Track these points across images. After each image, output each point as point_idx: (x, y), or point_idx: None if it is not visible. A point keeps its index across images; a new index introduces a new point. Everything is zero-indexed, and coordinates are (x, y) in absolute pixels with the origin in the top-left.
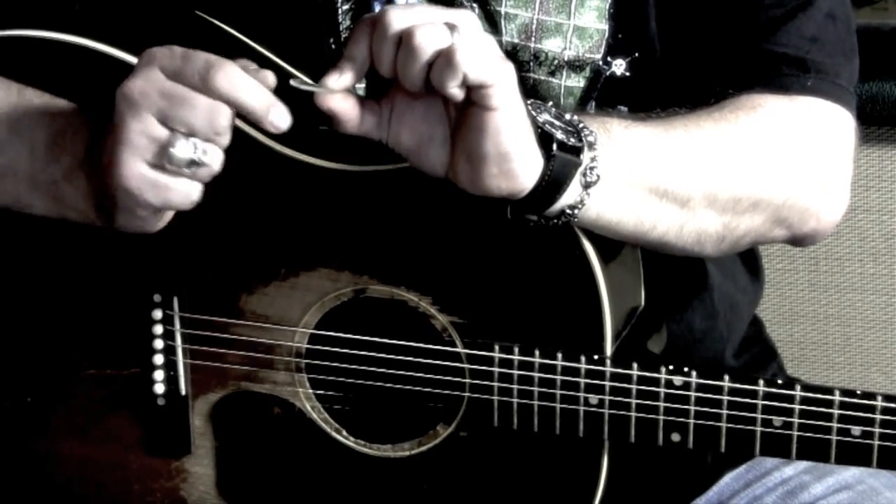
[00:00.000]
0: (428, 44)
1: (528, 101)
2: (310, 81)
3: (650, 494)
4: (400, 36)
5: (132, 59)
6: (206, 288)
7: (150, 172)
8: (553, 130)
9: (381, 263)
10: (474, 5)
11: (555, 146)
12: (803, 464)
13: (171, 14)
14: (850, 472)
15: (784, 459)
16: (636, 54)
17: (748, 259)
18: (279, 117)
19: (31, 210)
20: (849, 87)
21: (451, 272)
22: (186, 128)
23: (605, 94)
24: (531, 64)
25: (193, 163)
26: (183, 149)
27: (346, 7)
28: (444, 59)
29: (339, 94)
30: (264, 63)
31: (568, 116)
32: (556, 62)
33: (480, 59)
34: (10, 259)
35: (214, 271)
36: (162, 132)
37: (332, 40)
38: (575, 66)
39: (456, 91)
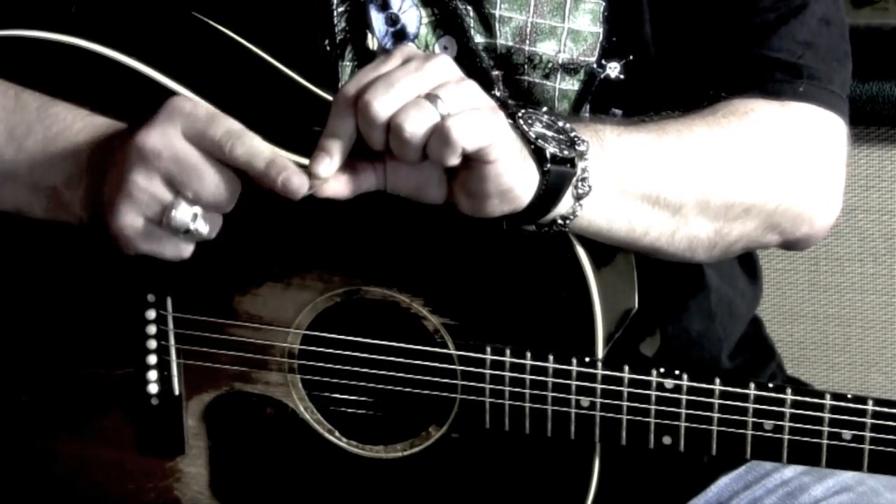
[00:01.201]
0: (418, 130)
1: (520, 113)
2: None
3: (642, 496)
4: (388, 123)
5: (128, 61)
6: (200, 288)
7: (145, 226)
8: (545, 145)
9: (373, 265)
10: (469, 8)
11: (548, 161)
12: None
13: (167, 15)
14: (850, 473)
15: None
16: (630, 57)
17: (746, 262)
18: (292, 183)
19: (31, 214)
20: (841, 94)
21: (444, 274)
22: (192, 195)
23: (599, 97)
24: (525, 67)
25: (189, 231)
26: (183, 215)
27: (341, 9)
28: (438, 139)
29: (331, 178)
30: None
31: (561, 123)
32: (550, 65)
33: (473, 128)
34: (4, 258)
35: (208, 272)
36: (166, 195)
37: (326, 42)
38: (569, 69)
39: (455, 161)
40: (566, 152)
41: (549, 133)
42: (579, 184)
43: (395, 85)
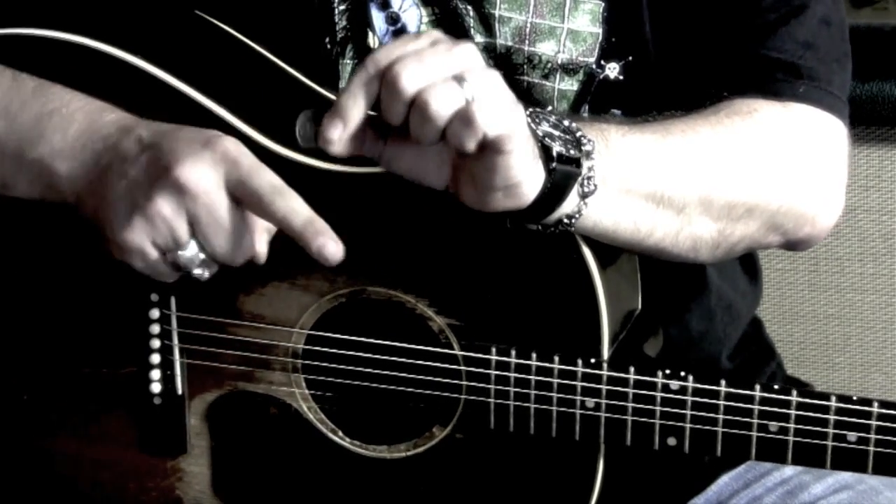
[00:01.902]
0: (444, 110)
1: (528, 112)
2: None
3: (646, 496)
4: (413, 98)
5: (131, 59)
6: (204, 288)
7: (146, 247)
8: (552, 143)
9: (378, 265)
10: (469, 7)
11: (554, 160)
12: None
13: (171, 13)
14: (850, 472)
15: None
16: (630, 58)
17: (747, 263)
18: (328, 250)
19: (14, 192)
20: (841, 95)
21: (449, 274)
22: (208, 247)
23: (598, 98)
24: (525, 67)
25: (187, 270)
26: (189, 257)
27: (342, 7)
28: (460, 121)
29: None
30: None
31: (567, 122)
32: (549, 65)
33: (497, 115)
34: (7, 257)
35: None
36: (182, 235)
37: (328, 40)
38: (568, 69)
39: (472, 147)
40: (572, 152)
41: (556, 132)
42: (585, 182)
43: (426, 61)
